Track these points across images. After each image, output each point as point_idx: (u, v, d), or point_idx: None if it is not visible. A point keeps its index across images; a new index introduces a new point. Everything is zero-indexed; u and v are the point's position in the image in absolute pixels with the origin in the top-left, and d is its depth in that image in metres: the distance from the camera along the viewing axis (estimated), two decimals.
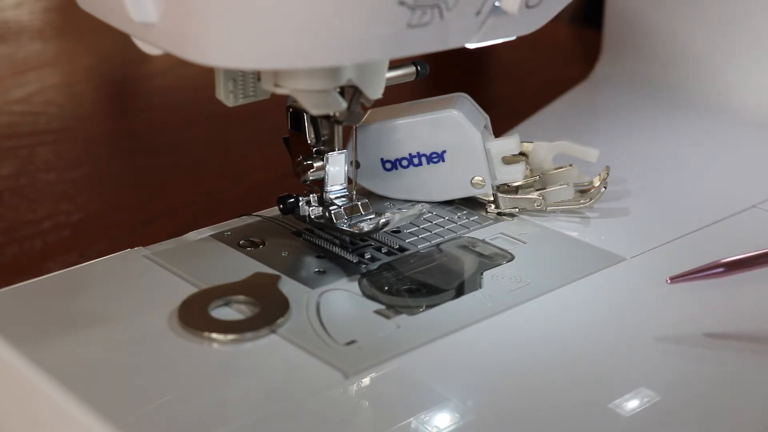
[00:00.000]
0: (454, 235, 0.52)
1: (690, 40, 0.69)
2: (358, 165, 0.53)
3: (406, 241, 0.51)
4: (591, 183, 0.55)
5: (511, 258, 0.50)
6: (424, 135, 0.53)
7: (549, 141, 0.55)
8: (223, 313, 0.45)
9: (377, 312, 0.45)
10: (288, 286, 0.47)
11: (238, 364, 0.42)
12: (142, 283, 0.48)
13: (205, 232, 0.52)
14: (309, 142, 0.50)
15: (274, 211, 0.53)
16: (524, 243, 0.51)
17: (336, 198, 0.50)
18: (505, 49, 0.72)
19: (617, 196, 0.56)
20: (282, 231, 0.52)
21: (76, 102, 0.90)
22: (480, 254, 0.51)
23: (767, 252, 0.46)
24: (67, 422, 0.39)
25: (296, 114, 0.50)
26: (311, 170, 0.50)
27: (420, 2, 0.39)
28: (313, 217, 0.50)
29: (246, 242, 0.51)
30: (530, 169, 0.55)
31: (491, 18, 0.42)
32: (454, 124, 0.53)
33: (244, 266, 0.49)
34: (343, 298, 0.47)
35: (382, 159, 0.54)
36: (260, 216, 0.53)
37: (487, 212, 0.54)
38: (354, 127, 0.52)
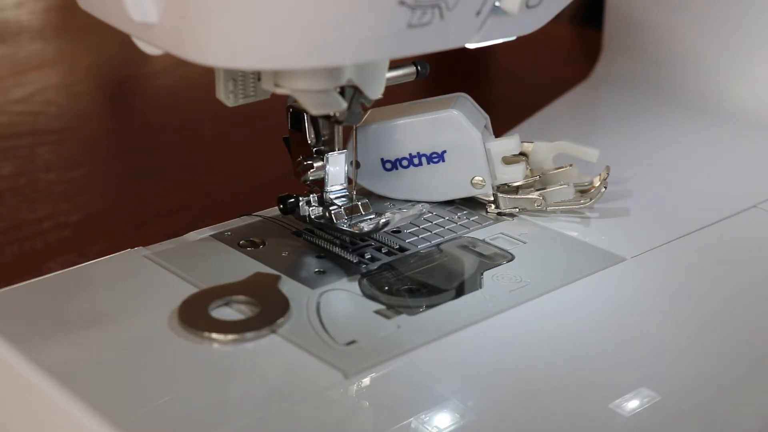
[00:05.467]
0: (454, 235, 0.52)
1: (690, 40, 0.69)
2: (358, 165, 0.53)
3: (406, 241, 0.51)
4: (591, 183, 0.55)
5: (511, 258, 0.50)
6: (424, 135, 0.53)
7: (549, 141, 0.55)
8: (223, 313, 0.45)
9: (377, 312, 0.45)
10: (288, 286, 0.47)
11: (238, 364, 0.42)
12: (142, 283, 0.48)
13: (205, 232, 0.52)
14: (309, 142, 0.50)
15: (274, 211, 0.53)
16: (524, 243, 0.51)
17: (336, 198, 0.50)
18: (505, 49, 0.72)
19: (617, 196, 0.56)
20: (282, 231, 0.52)
21: (76, 102, 0.90)
22: (480, 254, 0.51)
23: None
24: (67, 422, 0.39)
25: (296, 114, 0.50)
26: (311, 170, 0.50)
27: (420, 2, 0.39)
28: (313, 217, 0.50)
29: (246, 242, 0.51)
30: (530, 169, 0.55)
31: (491, 18, 0.42)
32: (454, 124, 0.53)
33: (244, 266, 0.49)
34: (343, 298, 0.47)
35: (382, 159, 0.54)
36: (260, 216, 0.53)
37: (487, 212, 0.54)
38: (354, 127, 0.51)
